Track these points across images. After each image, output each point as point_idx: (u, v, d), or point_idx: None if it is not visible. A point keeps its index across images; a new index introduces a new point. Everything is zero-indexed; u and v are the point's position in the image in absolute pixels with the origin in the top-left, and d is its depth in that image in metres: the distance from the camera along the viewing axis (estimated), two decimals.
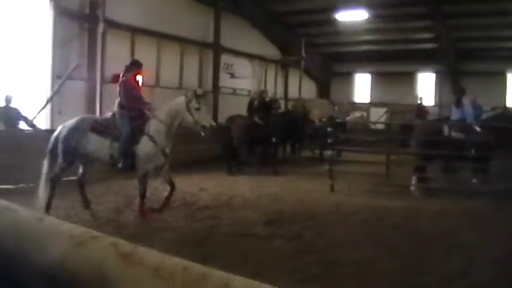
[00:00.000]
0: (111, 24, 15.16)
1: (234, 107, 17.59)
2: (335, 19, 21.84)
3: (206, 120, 8.66)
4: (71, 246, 2.48)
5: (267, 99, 16.13)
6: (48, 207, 8.14)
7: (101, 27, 14.44)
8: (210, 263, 5.84)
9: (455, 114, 12.09)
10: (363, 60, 27.83)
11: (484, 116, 13.39)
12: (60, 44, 13.71)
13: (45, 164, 8.38)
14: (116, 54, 15.75)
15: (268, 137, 14.57)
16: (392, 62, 26.81)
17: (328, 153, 13.19)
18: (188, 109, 8.40)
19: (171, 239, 6.91)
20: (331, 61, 29.81)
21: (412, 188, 11.77)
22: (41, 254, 2.54)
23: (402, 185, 12.13)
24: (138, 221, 8.09)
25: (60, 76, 13.56)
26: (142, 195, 8.39)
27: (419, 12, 21.37)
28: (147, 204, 8.61)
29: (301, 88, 24.53)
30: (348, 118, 20.86)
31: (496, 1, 19.19)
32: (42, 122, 13.13)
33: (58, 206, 8.83)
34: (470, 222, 8.85)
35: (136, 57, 16.48)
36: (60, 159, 8.37)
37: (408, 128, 13.96)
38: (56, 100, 13.51)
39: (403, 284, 5.61)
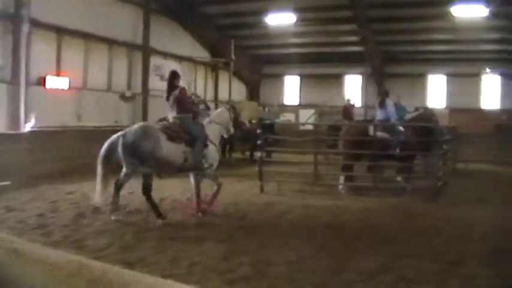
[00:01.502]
0: (37, 24, 14.81)
1: (164, 109, 17.41)
2: (265, 22, 22.10)
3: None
4: None
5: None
6: (115, 210, 8.52)
7: (25, 28, 14.06)
8: (139, 267, 5.85)
9: (379, 115, 12.48)
10: (292, 62, 28.24)
11: (407, 116, 13.90)
12: None
13: (100, 169, 8.51)
14: (42, 56, 15.39)
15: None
16: (321, 64, 27.42)
17: (258, 154, 13.30)
18: (231, 118, 9.91)
19: (100, 245, 6.79)
20: (261, 63, 30.08)
21: (340, 187, 12.08)
22: None
23: (330, 184, 12.44)
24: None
25: None
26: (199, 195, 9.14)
27: (346, 16, 21.97)
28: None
29: (231, 90, 24.63)
30: (277, 120, 21.12)
31: (419, 7, 20.01)
32: None
33: None
34: (396, 219, 9.20)
35: (63, 58, 16.19)
36: (126, 165, 8.58)
37: (335, 129, 14.31)
38: None
39: (333, 280, 5.75)
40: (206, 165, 8.98)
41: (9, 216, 8.49)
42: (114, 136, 8.61)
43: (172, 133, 8.71)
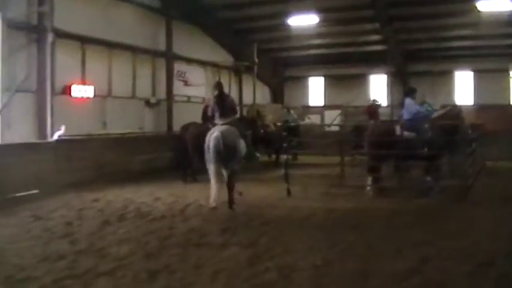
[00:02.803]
0: (60, 34, 14.91)
1: (189, 114, 17.51)
2: (286, 24, 22.03)
3: None
4: None
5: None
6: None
7: (49, 38, 14.16)
8: (163, 275, 5.84)
9: (405, 115, 12.28)
10: (316, 63, 28.04)
11: (434, 114, 13.65)
12: (8, 56, 13.39)
13: (214, 169, 9.93)
14: (67, 65, 15.52)
15: None
16: (344, 65, 27.17)
17: (283, 157, 13.22)
18: None
19: (124, 253, 6.79)
20: (284, 66, 29.97)
21: (367, 188, 11.90)
22: None
23: (356, 185, 12.27)
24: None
25: (8, 89, 13.24)
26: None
27: (367, 16, 21.77)
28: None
29: (255, 93, 24.57)
30: (302, 122, 21.02)
31: (442, 3, 19.73)
32: None
33: (7, 223, 8.67)
34: (423, 220, 9.04)
35: (87, 67, 16.32)
36: (233, 161, 10.05)
37: (361, 129, 14.14)
38: (5, 114, 13.17)
39: (359, 284, 5.65)
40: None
41: (36, 225, 8.61)
42: (215, 137, 9.80)
43: (241, 132, 10.37)
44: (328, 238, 7.72)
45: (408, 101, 12.18)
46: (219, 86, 10.94)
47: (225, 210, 9.94)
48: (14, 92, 13.16)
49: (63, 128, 14.32)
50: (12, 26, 13.62)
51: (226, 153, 9.77)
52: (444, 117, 12.70)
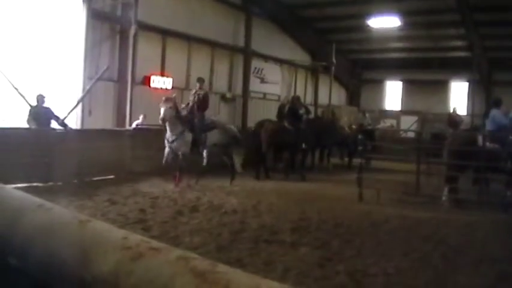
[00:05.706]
0: (143, 26, 15.25)
1: (264, 111, 17.56)
2: (366, 25, 21.71)
3: None
4: (125, 259, 1.86)
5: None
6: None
7: (132, 30, 14.51)
8: (234, 268, 5.78)
9: (488, 125, 11.81)
10: (394, 67, 27.54)
11: None
12: (91, 46, 13.82)
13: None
14: (147, 56, 15.87)
15: (297, 143, 14.46)
16: (425, 70, 26.51)
17: (357, 160, 12.99)
18: None
19: (196, 243, 6.84)
20: (362, 68, 29.58)
21: (443, 198, 11.50)
22: (85, 268, 1.96)
23: (432, 195, 11.90)
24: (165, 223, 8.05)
25: (91, 77, 13.66)
26: None
27: (452, 20, 21.06)
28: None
29: (331, 94, 24.36)
30: (378, 126, 20.64)
31: None
32: (73, 122, 13.23)
33: (83, 205, 8.91)
34: (501, 236, 8.61)
35: (167, 59, 16.63)
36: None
37: (439, 137, 13.71)
38: (86, 101, 13.61)
39: None
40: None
41: (112, 209, 8.84)
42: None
43: None
44: (401, 246, 7.48)
45: (494, 111, 11.71)
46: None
47: (294, 209, 9.87)
48: (95, 80, 13.56)
49: (141, 117, 14.65)
50: (97, 16, 14.05)
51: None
52: None
